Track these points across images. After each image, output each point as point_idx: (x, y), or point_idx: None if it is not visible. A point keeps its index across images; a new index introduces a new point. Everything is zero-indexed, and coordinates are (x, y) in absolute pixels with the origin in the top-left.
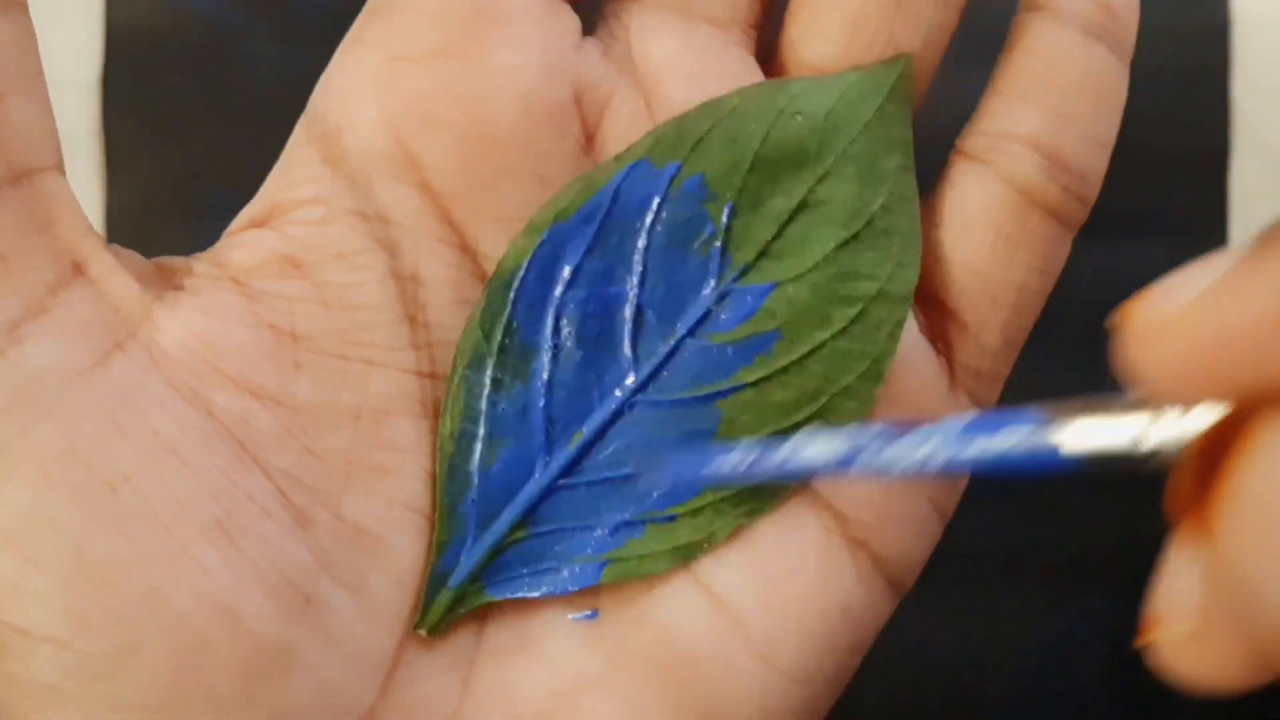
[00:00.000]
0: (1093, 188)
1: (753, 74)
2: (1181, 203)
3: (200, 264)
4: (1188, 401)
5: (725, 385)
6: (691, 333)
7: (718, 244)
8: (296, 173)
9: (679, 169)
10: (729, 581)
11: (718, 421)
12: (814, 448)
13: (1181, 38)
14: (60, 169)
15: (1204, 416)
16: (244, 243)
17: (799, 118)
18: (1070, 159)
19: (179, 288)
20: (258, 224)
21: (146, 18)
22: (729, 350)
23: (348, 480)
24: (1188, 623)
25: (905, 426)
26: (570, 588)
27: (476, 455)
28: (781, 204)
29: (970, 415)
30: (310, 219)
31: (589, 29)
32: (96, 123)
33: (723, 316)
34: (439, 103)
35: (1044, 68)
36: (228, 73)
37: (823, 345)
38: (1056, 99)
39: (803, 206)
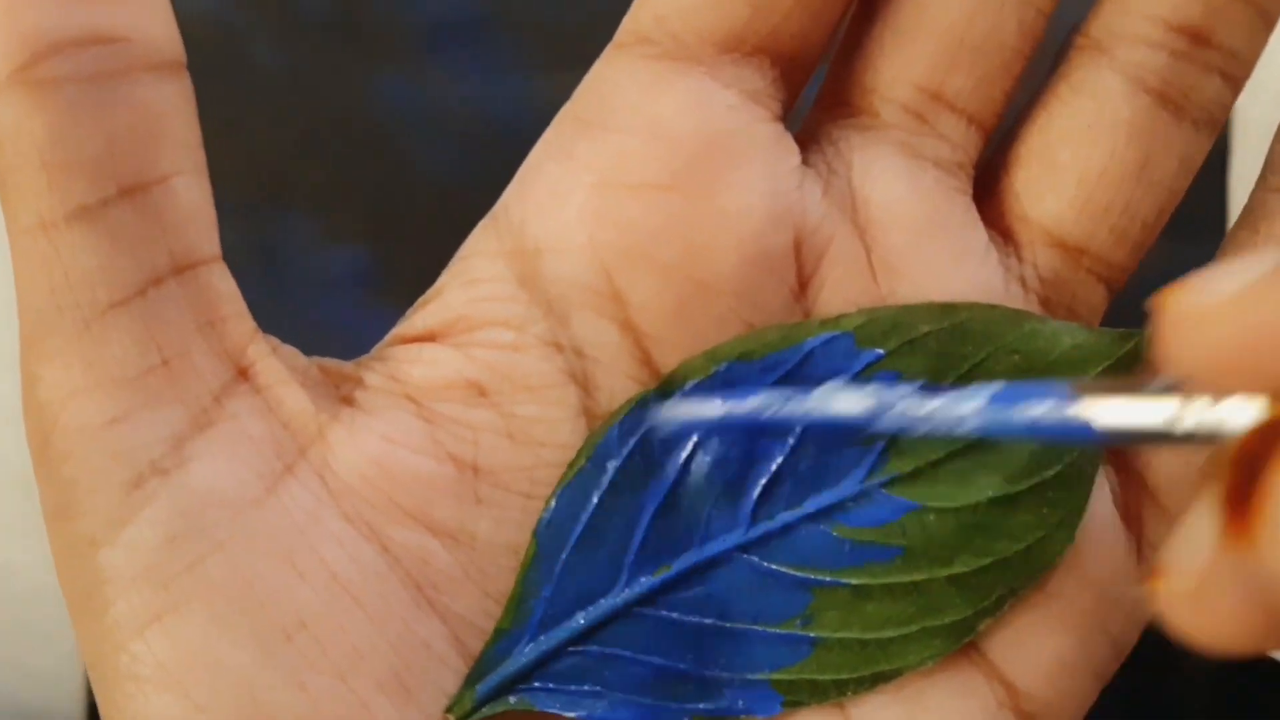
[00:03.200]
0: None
1: (977, 229)
2: (1181, 202)
3: (373, 375)
4: (1223, 391)
5: (827, 576)
6: (818, 515)
7: (881, 443)
8: (485, 287)
9: (880, 358)
10: None
11: (804, 607)
12: (842, 400)
13: None
14: (221, 259)
15: (1239, 407)
16: (423, 358)
17: (1016, 356)
18: None
19: (350, 401)
20: (435, 336)
21: None
22: (846, 545)
23: None
24: (1188, 581)
25: (936, 388)
26: (612, 718)
27: (565, 552)
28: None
29: (1002, 384)
30: (499, 342)
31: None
32: None
33: (854, 511)
34: (655, 240)
35: None
36: (228, 72)
37: (934, 582)
38: None
39: (978, 446)
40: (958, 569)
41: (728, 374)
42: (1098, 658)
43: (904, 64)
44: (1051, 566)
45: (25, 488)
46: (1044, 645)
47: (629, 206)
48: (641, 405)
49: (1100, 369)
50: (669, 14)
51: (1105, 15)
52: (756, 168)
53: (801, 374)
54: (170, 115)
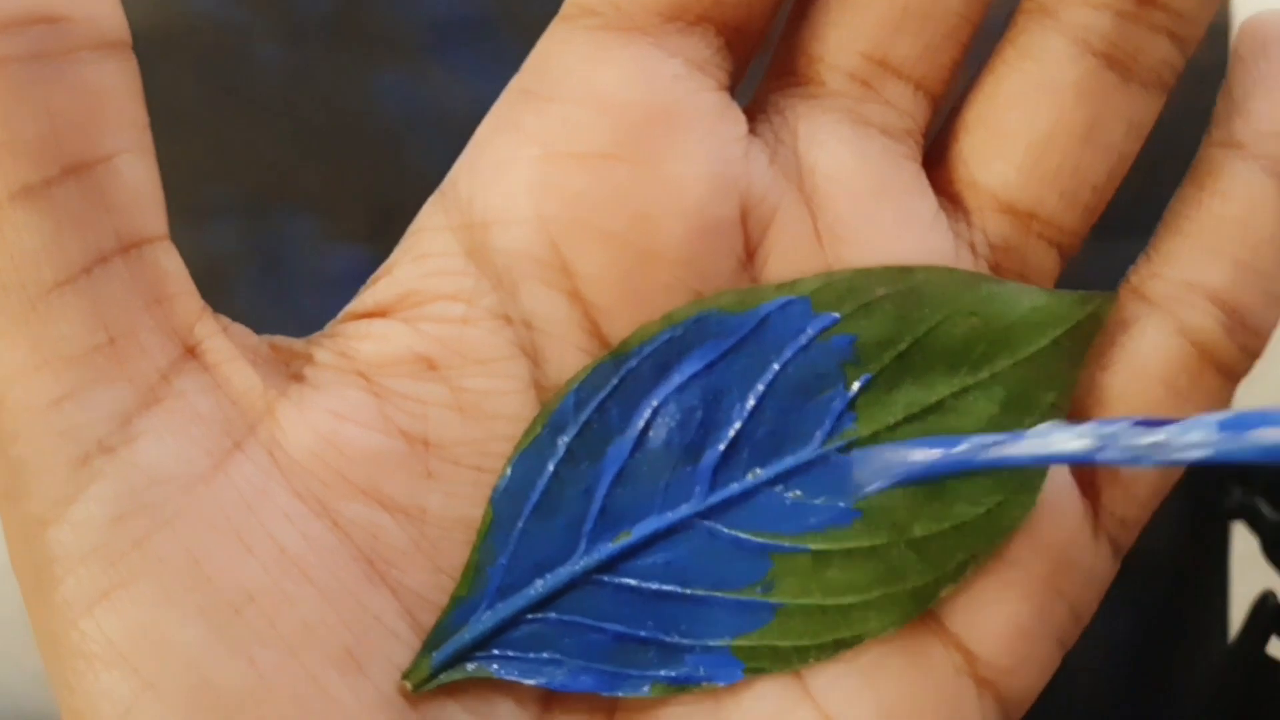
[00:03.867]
0: (1264, 343)
1: (925, 195)
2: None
3: (323, 351)
4: None
5: (787, 542)
6: (776, 481)
7: (839, 409)
8: (434, 262)
9: (835, 321)
10: (844, 706)
11: (764, 574)
12: (1059, 438)
13: None
14: (168, 238)
15: None
16: (373, 333)
17: (974, 319)
18: (1251, 316)
19: (300, 378)
20: (386, 311)
21: (147, 17)
22: (804, 511)
23: None
24: None
25: (1155, 421)
26: (570, 686)
27: (521, 520)
28: (918, 396)
29: (1226, 413)
30: (449, 316)
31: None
32: None
33: (813, 475)
34: (601, 210)
35: (1238, 216)
36: (228, 72)
37: (893, 547)
38: (1248, 253)
39: (937, 408)
40: (916, 533)
41: (682, 338)
42: (1056, 624)
43: (849, 32)
44: (1012, 531)
45: None
46: (1001, 612)
47: (575, 177)
48: (596, 372)
49: (1061, 332)
50: None
51: None
52: (702, 136)
53: (757, 338)
54: (114, 94)
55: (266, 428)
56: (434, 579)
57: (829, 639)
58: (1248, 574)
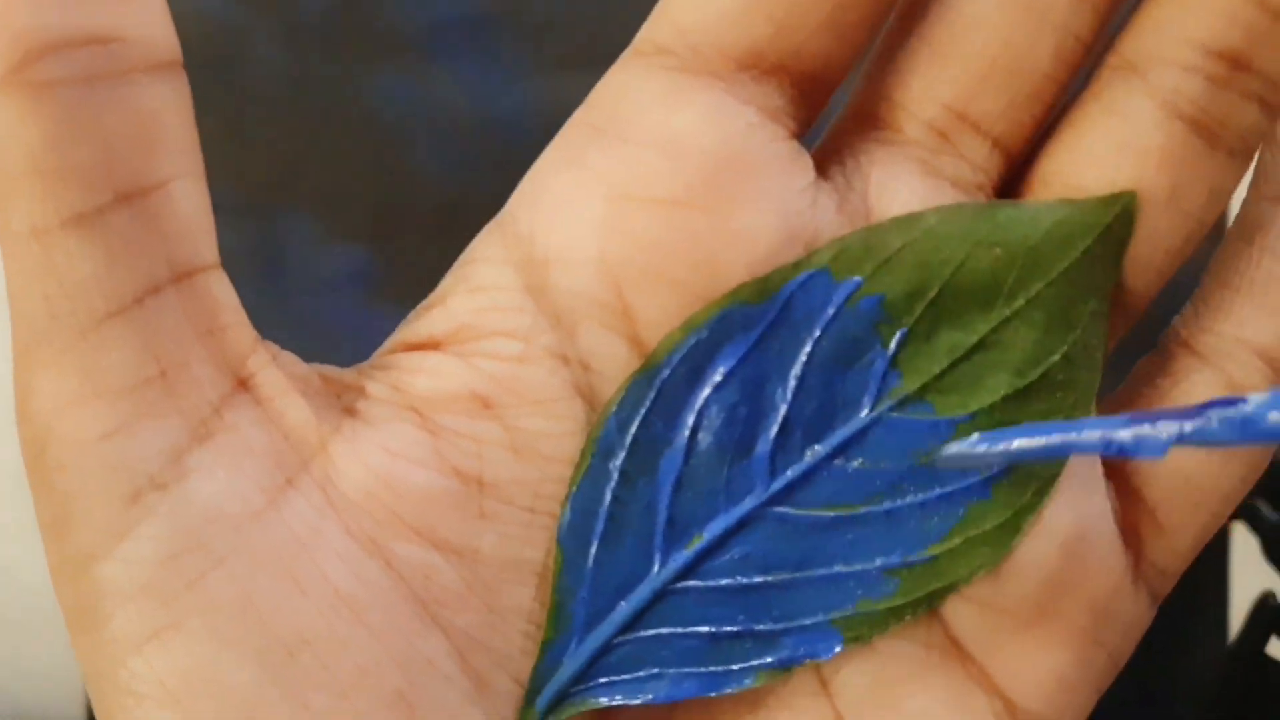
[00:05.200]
0: None
1: None
2: None
3: (375, 384)
4: None
5: (860, 509)
6: (836, 454)
7: (881, 369)
8: (490, 296)
9: (859, 285)
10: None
11: (845, 544)
12: (1157, 427)
13: None
14: (220, 267)
15: None
16: (427, 368)
17: (997, 250)
18: None
19: (353, 411)
20: (439, 344)
21: None
22: (870, 476)
23: (526, 642)
24: None
25: (1234, 399)
26: (676, 695)
27: (592, 552)
28: (958, 339)
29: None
30: (505, 353)
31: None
32: None
33: (871, 440)
34: (667, 256)
35: None
36: (228, 73)
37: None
38: None
39: (980, 346)
40: (985, 473)
41: (710, 339)
42: (1095, 673)
43: (933, 81)
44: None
45: (25, 488)
46: (1043, 662)
47: (642, 221)
48: (631, 390)
49: (1090, 240)
50: (691, 26)
51: (1140, 35)
52: (771, 186)
53: (785, 321)
54: (168, 118)
55: (320, 463)
56: (485, 620)
57: (921, 594)
58: (1248, 574)
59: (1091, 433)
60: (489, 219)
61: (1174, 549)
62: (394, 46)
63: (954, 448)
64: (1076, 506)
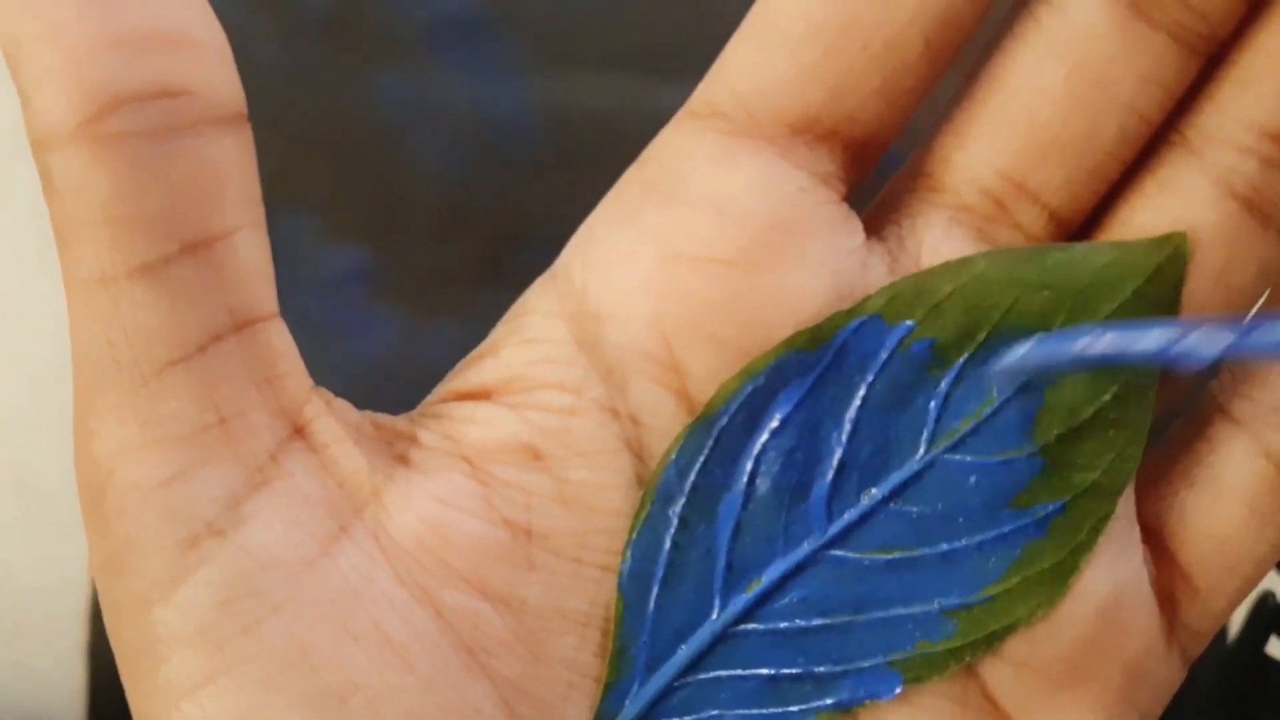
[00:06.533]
0: None
1: None
2: None
3: (428, 433)
4: None
5: (916, 552)
6: (891, 496)
7: (936, 411)
8: (542, 348)
9: (910, 330)
10: None
11: (903, 586)
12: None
13: None
14: (279, 316)
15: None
16: (478, 418)
17: (1046, 292)
18: None
19: (405, 460)
20: (490, 394)
21: None
22: (927, 518)
23: (570, 691)
24: None
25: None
26: None
27: (652, 596)
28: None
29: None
30: (556, 406)
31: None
32: None
33: (926, 484)
34: (718, 315)
35: None
36: None
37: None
38: None
39: (1029, 387)
40: (1041, 512)
41: (766, 386)
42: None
43: (994, 148)
44: (1130, 482)
45: (25, 488)
46: None
47: (694, 280)
48: (690, 439)
49: (1140, 282)
50: (746, 90)
51: (1199, 114)
52: (821, 249)
53: (839, 367)
54: (232, 170)
55: (372, 512)
56: (532, 670)
57: (980, 635)
58: None
59: (1150, 336)
60: (489, 219)
61: (1208, 611)
62: (394, 46)
63: (1009, 357)
64: (1113, 569)
